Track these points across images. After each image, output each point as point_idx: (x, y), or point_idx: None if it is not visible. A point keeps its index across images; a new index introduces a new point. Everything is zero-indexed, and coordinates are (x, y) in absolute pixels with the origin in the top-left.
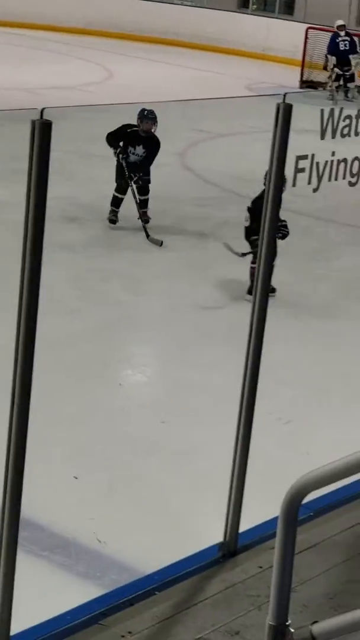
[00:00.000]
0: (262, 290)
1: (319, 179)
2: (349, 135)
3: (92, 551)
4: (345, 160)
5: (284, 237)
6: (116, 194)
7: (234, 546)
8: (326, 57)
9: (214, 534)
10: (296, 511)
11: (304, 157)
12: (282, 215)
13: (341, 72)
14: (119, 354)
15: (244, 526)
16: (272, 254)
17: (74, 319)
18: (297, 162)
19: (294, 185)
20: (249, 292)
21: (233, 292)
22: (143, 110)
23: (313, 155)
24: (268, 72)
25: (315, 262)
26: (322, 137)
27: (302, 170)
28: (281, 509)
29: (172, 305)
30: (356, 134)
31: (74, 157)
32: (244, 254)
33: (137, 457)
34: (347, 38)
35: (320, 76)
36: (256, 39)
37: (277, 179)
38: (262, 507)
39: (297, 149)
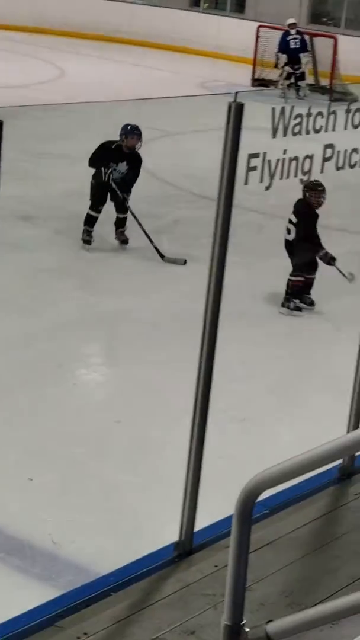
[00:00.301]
0: (215, 289)
1: (271, 177)
2: (300, 134)
3: (47, 553)
4: (296, 158)
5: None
6: (91, 213)
7: (189, 545)
8: (277, 55)
9: (170, 534)
10: (250, 510)
11: (256, 155)
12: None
13: (292, 71)
14: (73, 353)
15: (200, 525)
16: (312, 266)
17: (27, 318)
18: (249, 161)
19: (246, 183)
20: (283, 304)
21: (189, 290)
22: (127, 125)
23: (265, 154)
24: (220, 70)
25: (268, 259)
26: (274, 135)
27: (254, 168)
28: (235, 508)
29: (126, 304)
30: (307, 132)
31: (26, 156)
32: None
33: (91, 457)
34: (297, 36)
35: (272, 74)
36: (208, 37)
37: (229, 178)
38: (217, 505)
39: (249, 147)
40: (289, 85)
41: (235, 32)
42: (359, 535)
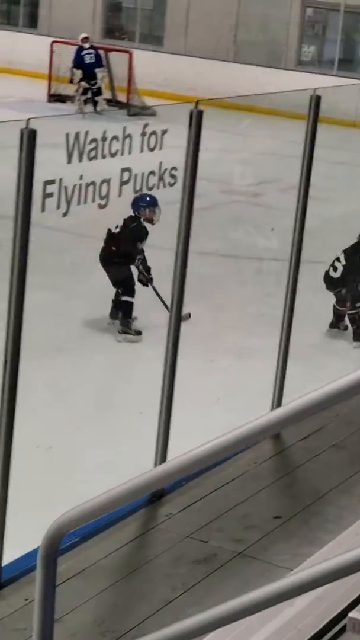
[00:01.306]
0: (15, 311)
1: (68, 203)
2: (96, 158)
3: None
4: (93, 183)
5: None
6: (129, 299)
7: None
8: (72, 70)
9: None
10: (55, 550)
11: (52, 181)
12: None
13: (88, 86)
14: None
15: (9, 557)
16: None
17: None
18: (44, 187)
19: (42, 210)
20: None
21: None
22: (146, 196)
23: (61, 180)
24: (14, 86)
25: (73, 278)
26: (69, 161)
27: (51, 195)
28: (40, 550)
29: None
30: (103, 156)
31: None
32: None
33: None
34: (92, 51)
35: (68, 89)
36: (1, 52)
37: (25, 205)
38: (27, 536)
39: (46, 170)
40: (85, 101)
41: (28, 48)
42: (171, 556)
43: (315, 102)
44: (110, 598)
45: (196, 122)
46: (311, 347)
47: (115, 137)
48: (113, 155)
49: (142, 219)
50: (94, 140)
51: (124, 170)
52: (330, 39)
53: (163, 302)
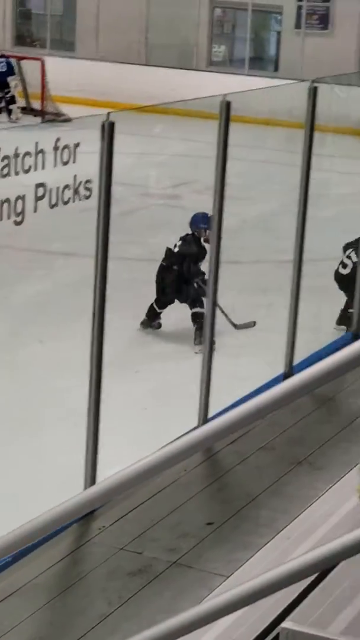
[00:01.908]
0: None
1: None
2: (9, 175)
3: None
4: (8, 200)
5: None
6: (202, 310)
7: None
8: None
9: None
10: None
11: None
12: None
13: (1, 95)
14: None
15: None
16: None
17: None
18: None
19: None
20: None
21: None
22: (205, 216)
23: None
24: None
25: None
26: None
27: None
28: None
29: None
30: (16, 173)
31: None
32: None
33: None
34: (2, 60)
35: None
36: None
37: None
38: None
39: None
40: None
41: None
42: (105, 570)
43: (226, 107)
44: (46, 616)
45: (108, 133)
46: (235, 347)
47: (27, 153)
48: (26, 171)
49: (201, 239)
50: (6, 157)
51: (38, 185)
52: (240, 38)
53: (226, 315)
